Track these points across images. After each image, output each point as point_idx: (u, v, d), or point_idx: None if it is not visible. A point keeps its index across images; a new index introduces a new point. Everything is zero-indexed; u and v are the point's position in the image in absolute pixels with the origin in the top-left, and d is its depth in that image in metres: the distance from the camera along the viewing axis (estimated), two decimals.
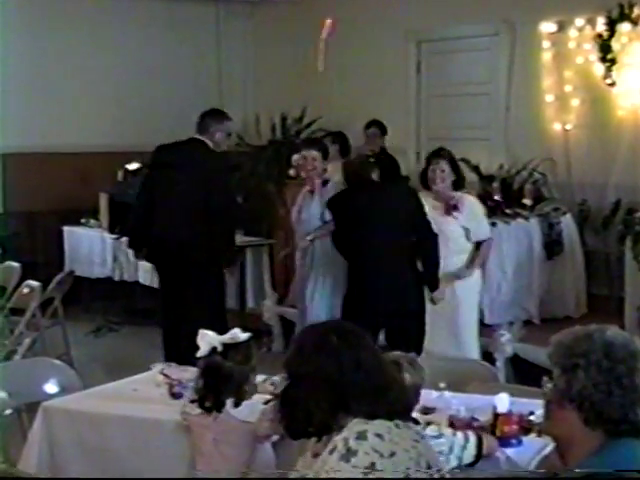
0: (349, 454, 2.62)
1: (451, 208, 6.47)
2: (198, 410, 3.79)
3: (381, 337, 6.02)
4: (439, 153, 6.58)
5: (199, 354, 3.81)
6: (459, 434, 3.44)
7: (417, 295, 6.22)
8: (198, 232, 6.80)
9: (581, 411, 2.40)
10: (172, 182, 6.94)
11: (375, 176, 6.31)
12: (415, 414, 3.51)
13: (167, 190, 6.96)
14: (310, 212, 6.98)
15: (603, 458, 2.36)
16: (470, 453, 3.41)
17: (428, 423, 3.53)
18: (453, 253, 6.47)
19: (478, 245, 6.66)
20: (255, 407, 3.85)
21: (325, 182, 7.00)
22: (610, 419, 2.38)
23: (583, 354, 2.41)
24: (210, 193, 6.79)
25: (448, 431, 3.47)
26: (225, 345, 3.77)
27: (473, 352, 6.60)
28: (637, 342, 2.48)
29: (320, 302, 6.97)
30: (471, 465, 3.43)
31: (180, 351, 6.49)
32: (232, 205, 7.07)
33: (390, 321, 6.11)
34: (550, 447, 2.75)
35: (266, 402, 3.92)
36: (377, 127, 9.67)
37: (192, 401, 3.86)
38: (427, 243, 6.19)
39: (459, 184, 6.59)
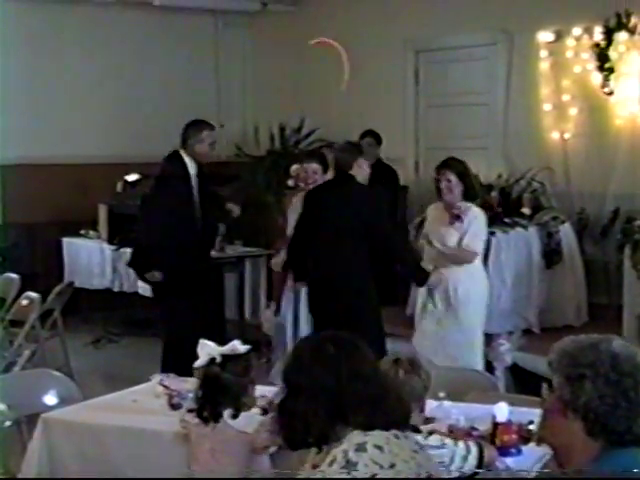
0: (349, 466, 2.61)
1: (454, 218, 6.44)
2: (197, 419, 3.79)
3: None
4: (446, 163, 6.53)
5: (197, 364, 3.81)
6: (461, 444, 3.43)
7: (360, 295, 6.29)
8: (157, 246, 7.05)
9: (585, 422, 2.38)
10: (156, 196, 7.24)
11: (356, 165, 6.31)
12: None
13: None
14: None
15: (604, 466, 2.36)
16: (471, 464, 3.40)
17: (430, 433, 3.53)
18: (451, 263, 6.49)
19: None
20: (252, 418, 3.85)
21: None
22: (614, 431, 2.37)
23: (590, 365, 2.38)
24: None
25: (450, 441, 3.45)
26: (224, 356, 3.77)
27: (476, 361, 6.58)
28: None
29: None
30: (471, 476, 3.42)
31: (177, 361, 6.60)
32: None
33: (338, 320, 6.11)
34: (549, 456, 2.74)
35: (264, 413, 3.92)
36: (372, 137, 9.66)
37: (190, 410, 3.87)
38: (391, 245, 6.30)
39: (469, 195, 6.51)
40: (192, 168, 7.08)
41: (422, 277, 6.43)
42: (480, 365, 6.55)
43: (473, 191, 6.58)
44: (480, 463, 3.40)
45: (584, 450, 2.39)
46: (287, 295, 7.41)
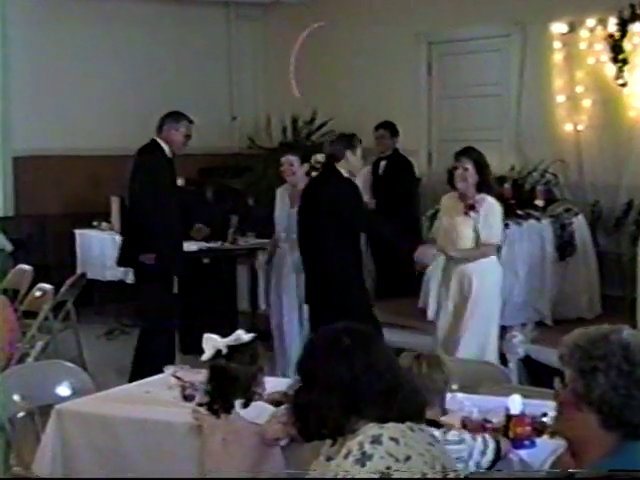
0: (364, 458, 2.61)
1: (468, 208, 6.39)
2: (208, 412, 3.79)
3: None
4: (465, 151, 6.49)
5: (204, 358, 3.80)
6: (479, 439, 3.42)
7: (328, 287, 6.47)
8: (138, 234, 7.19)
9: (600, 414, 2.37)
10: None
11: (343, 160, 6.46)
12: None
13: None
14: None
15: (620, 459, 2.35)
16: (488, 459, 3.40)
17: (449, 428, 3.51)
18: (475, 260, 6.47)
19: None
20: (264, 409, 3.85)
21: None
22: (630, 423, 2.36)
23: (602, 357, 2.37)
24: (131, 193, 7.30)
25: (468, 436, 3.44)
26: (230, 347, 3.77)
27: (491, 354, 6.56)
28: None
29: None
30: (487, 469, 3.41)
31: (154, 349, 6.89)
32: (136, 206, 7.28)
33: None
34: (562, 449, 2.73)
35: (277, 405, 3.92)
36: (386, 129, 9.66)
37: (200, 404, 3.86)
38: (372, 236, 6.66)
39: (482, 187, 6.42)
40: (169, 155, 7.21)
41: (403, 251, 6.64)
42: (494, 359, 6.53)
43: (488, 184, 6.53)
44: (497, 457, 3.40)
45: (599, 443, 2.38)
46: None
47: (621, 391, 2.34)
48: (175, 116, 7.28)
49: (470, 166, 6.37)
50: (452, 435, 3.37)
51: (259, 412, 3.82)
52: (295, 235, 7.01)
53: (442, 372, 3.69)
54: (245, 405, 3.76)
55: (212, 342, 3.79)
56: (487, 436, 3.47)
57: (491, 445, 3.41)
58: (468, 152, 6.48)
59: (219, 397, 3.75)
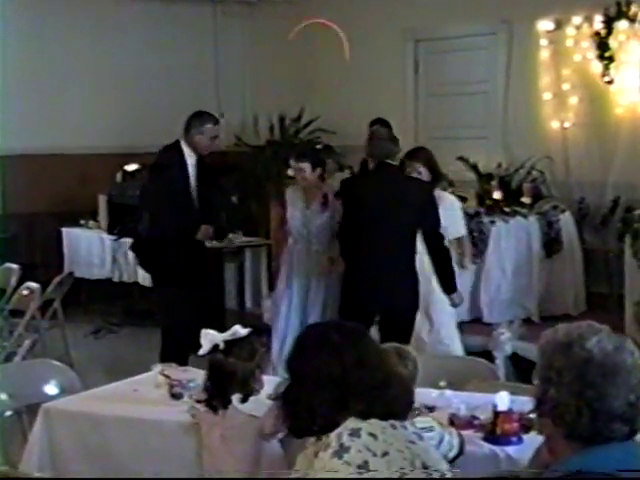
0: (342, 450, 2.63)
1: None
2: (206, 408, 3.79)
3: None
4: (412, 155, 6.45)
5: (201, 352, 3.80)
6: (452, 431, 3.41)
7: (410, 292, 6.01)
8: (166, 236, 6.95)
9: (555, 425, 2.35)
10: (151, 184, 7.20)
11: (397, 157, 6.19)
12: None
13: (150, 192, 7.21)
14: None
15: (586, 458, 2.32)
16: (454, 453, 3.38)
17: (418, 414, 3.50)
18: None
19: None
20: (261, 402, 3.84)
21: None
22: (582, 436, 2.31)
23: (558, 370, 2.32)
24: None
25: (437, 425, 3.41)
26: (227, 342, 3.77)
27: (455, 347, 6.58)
28: (628, 345, 2.35)
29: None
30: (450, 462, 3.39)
31: (176, 351, 6.64)
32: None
33: (382, 316, 5.96)
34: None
35: (273, 398, 3.91)
36: (382, 125, 9.53)
37: (198, 401, 3.85)
38: (434, 243, 6.02)
39: (435, 181, 6.43)
40: (190, 157, 7.06)
41: (449, 287, 6.23)
42: (460, 351, 6.57)
43: (440, 178, 6.62)
44: (460, 453, 3.37)
45: (565, 447, 2.36)
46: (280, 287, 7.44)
47: (571, 408, 2.29)
48: (200, 118, 7.05)
49: (422, 169, 6.35)
50: (421, 422, 3.32)
51: (257, 405, 3.81)
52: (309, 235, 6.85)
53: (406, 367, 3.65)
54: (243, 400, 3.75)
55: (209, 337, 3.79)
56: (453, 431, 3.46)
57: (456, 440, 3.39)
58: (416, 154, 6.46)
59: (217, 392, 3.75)
